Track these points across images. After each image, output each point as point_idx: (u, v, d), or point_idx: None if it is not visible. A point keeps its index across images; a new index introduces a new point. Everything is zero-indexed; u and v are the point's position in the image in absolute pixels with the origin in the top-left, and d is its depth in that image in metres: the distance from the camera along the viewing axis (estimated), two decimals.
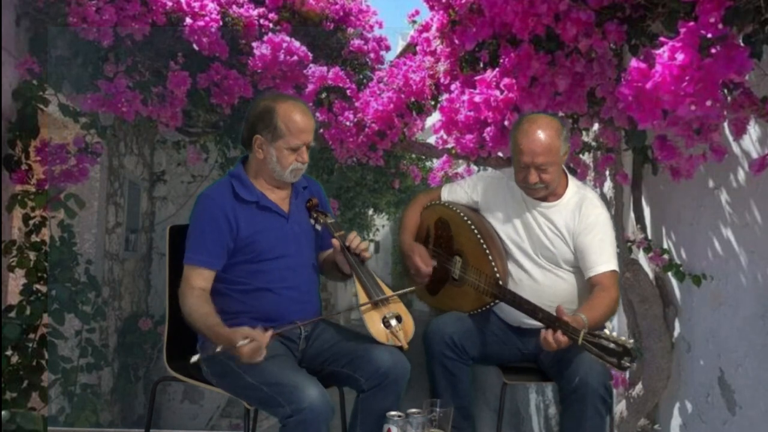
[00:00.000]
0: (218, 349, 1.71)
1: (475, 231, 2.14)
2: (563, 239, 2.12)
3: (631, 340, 1.76)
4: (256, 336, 1.69)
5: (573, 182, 2.20)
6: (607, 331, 1.80)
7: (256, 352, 1.70)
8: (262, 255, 1.95)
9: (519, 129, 2.07)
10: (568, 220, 2.12)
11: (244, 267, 1.95)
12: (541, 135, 2.01)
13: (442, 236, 2.27)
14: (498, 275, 2.06)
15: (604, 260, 2.06)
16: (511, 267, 2.18)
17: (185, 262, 1.91)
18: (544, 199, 2.15)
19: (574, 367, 1.94)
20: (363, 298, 1.93)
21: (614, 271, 2.06)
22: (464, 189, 2.34)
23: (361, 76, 3.75)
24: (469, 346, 2.12)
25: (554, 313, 1.86)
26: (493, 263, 2.07)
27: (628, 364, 1.73)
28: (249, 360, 1.71)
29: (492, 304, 2.11)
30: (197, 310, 1.83)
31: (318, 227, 2.05)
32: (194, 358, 1.75)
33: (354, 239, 1.99)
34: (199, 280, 1.89)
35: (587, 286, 2.09)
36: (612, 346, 1.74)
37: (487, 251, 2.09)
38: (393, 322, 1.89)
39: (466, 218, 2.18)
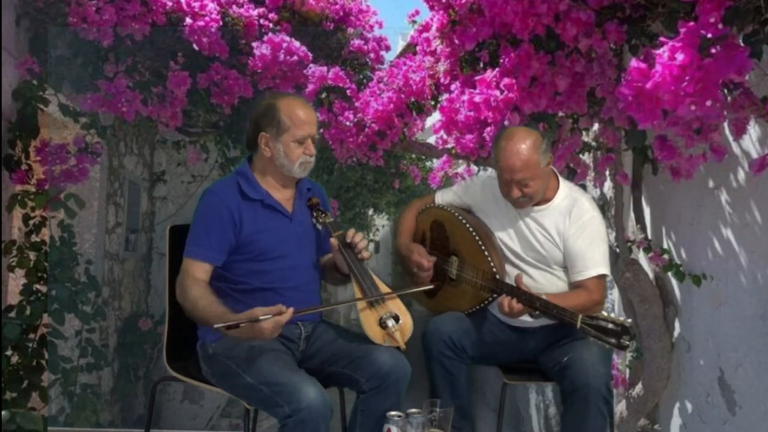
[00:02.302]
0: (241, 324, 1.69)
1: (470, 229, 2.15)
2: (553, 242, 2.13)
3: (629, 320, 1.78)
4: (275, 311, 1.70)
5: (564, 185, 2.20)
6: (604, 312, 1.81)
7: (277, 328, 1.71)
8: (264, 254, 1.95)
9: (498, 146, 2.10)
10: (559, 223, 2.13)
11: (246, 266, 1.95)
12: (518, 151, 2.03)
13: (438, 238, 2.27)
14: (495, 269, 2.07)
15: (590, 265, 2.07)
16: (508, 268, 2.18)
17: (186, 255, 1.91)
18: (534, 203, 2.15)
19: (575, 368, 1.94)
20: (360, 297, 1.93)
21: (601, 275, 2.08)
22: (456, 194, 2.36)
23: (361, 76, 3.75)
24: (467, 345, 2.12)
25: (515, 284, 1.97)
26: (489, 258, 2.08)
27: (627, 343, 1.75)
28: (269, 336, 1.72)
29: (490, 299, 2.12)
30: (203, 299, 1.83)
31: (319, 226, 2.06)
32: (217, 326, 1.69)
33: (355, 235, 1.99)
34: (200, 272, 1.89)
35: None
36: (611, 326, 1.76)
37: (483, 247, 2.10)
38: (390, 322, 1.88)
39: (460, 217, 2.19)
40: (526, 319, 2.05)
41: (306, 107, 1.99)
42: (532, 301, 1.94)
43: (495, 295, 2.09)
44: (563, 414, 2.02)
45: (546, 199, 2.16)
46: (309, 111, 1.99)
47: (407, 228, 2.35)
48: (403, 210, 2.47)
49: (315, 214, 2.07)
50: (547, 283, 2.13)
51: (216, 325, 1.69)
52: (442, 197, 2.37)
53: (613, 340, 1.76)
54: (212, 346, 1.92)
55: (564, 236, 2.11)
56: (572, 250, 2.10)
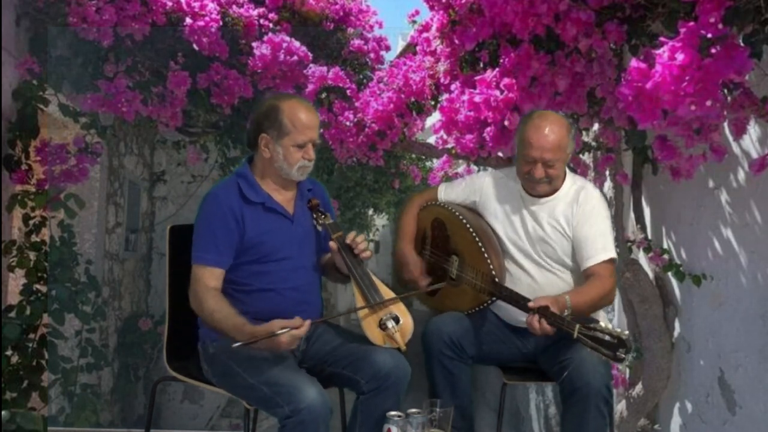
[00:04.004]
0: (258, 337, 1.72)
1: (471, 230, 2.14)
2: (562, 232, 2.12)
3: (626, 332, 1.77)
4: (294, 324, 1.72)
5: (570, 175, 2.21)
6: (602, 324, 1.81)
7: (295, 341, 1.74)
8: (266, 256, 1.95)
9: (530, 123, 2.08)
10: (567, 212, 2.13)
11: (248, 268, 1.95)
12: (552, 131, 2.03)
13: (439, 237, 2.26)
14: (494, 272, 2.06)
15: (600, 250, 2.06)
16: (510, 266, 2.18)
17: (195, 261, 1.91)
18: (541, 194, 2.15)
19: (575, 368, 1.94)
20: (359, 300, 1.93)
21: (611, 259, 2.07)
22: (462, 189, 2.33)
23: (361, 76, 3.75)
24: (467, 344, 2.11)
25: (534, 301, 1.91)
26: (489, 261, 2.08)
27: (623, 356, 1.74)
28: (286, 348, 1.75)
29: (489, 302, 2.11)
30: (220, 311, 1.83)
31: (319, 227, 2.06)
32: (236, 345, 1.71)
33: (355, 237, 1.99)
34: (212, 279, 1.89)
35: (584, 282, 2.09)
36: (607, 338, 1.75)
37: (483, 249, 2.09)
38: (390, 323, 1.88)
39: (461, 218, 2.18)
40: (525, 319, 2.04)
41: (309, 111, 1.97)
42: (530, 309, 1.92)
43: (494, 298, 2.08)
44: (563, 414, 2.01)
45: (554, 189, 2.16)
46: (312, 115, 1.97)
47: (410, 230, 2.32)
48: (403, 206, 2.43)
49: (315, 215, 2.07)
50: (548, 283, 2.12)
51: (234, 345, 1.71)
52: (446, 192, 2.34)
53: (609, 352, 1.74)
54: (213, 345, 1.92)
55: (572, 224, 2.11)
56: (581, 236, 2.09)
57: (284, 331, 1.70)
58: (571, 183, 2.18)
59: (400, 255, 2.27)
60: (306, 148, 1.95)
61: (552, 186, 2.13)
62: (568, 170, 2.22)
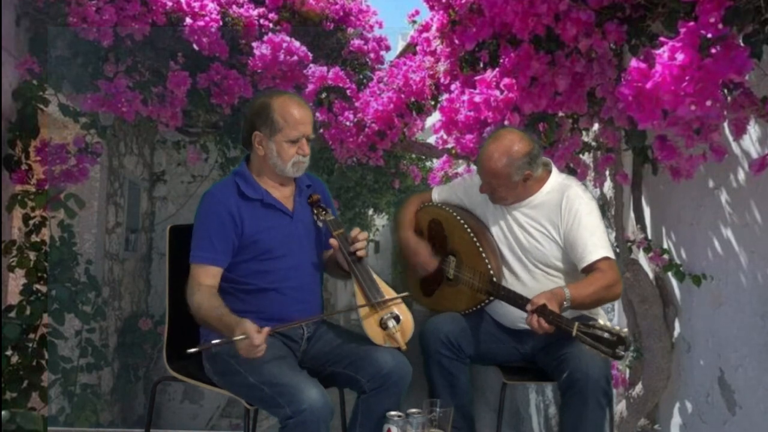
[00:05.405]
0: (215, 342, 1.71)
1: (468, 230, 2.14)
2: (550, 237, 2.09)
3: (625, 329, 1.76)
4: (252, 334, 1.67)
5: (554, 177, 2.15)
6: (601, 321, 1.80)
7: (251, 350, 1.68)
8: (266, 253, 1.95)
9: (486, 140, 2.11)
10: (552, 216, 2.09)
11: (249, 265, 1.95)
12: (492, 157, 2.04)
13: (436, 237, 2.27)
14: (492, 272, 2.06)
15: (593, 250, 2.01)
16: (503, 271, 2.16)
17: (191, 260, 1.91)
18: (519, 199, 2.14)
19: (574, 361, 1.92)
20: (360, 299, 1.93)
21: (607, 257, 2.00)
22: (455, 191, 2.34)
23: (361, 76, 3.76)
24: (465, 344, 2.11)
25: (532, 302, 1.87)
26: (486, 261, 2.08)
27: (622, 353, 1.73)
28: (246, 356, 1.70)
29: (486, 301, 2.11)
30: (205, 303, 1.83)
31: (319, 224, 2.05)
32: (191, 350, 1.71)
33: (357, 234, 1.97)
34: (207, 277, 1.89)
35: None
36: (606, 335, 1.74)
37: (481, 249, 2.09)
38: (391, 323, 1.88)
39: (459, 218, 2.19)
40: (522, 323, 2.03)
41: (300, 106, 1.96)
42: (520, 304, 1.92)
43: (491, 298, 2.08)
44: (562, 407, 1.99)
45: (517, 200, 2.13)
46: (303, 110, 1.96)
47: (409, 221, 2.32)
48: (401, 205, 2.44)
49: (315, 211, 2.06)
50: (541, 288, 2.04)
51: (189, 350, 1.71)
52: (439, 194, 2.36)
53: (608, 350, 1.74)
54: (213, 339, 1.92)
55: (559, 228, 2.07)
56: (572, 240, 2.05)
57: (242, 337, 1.67)
58: (551, 187, 2.13)
59: (404, 241, 2.27)
60: (300, 144, 1.94)
61: (508, 202, 2.12)
62: (554, 170, 2.18)
